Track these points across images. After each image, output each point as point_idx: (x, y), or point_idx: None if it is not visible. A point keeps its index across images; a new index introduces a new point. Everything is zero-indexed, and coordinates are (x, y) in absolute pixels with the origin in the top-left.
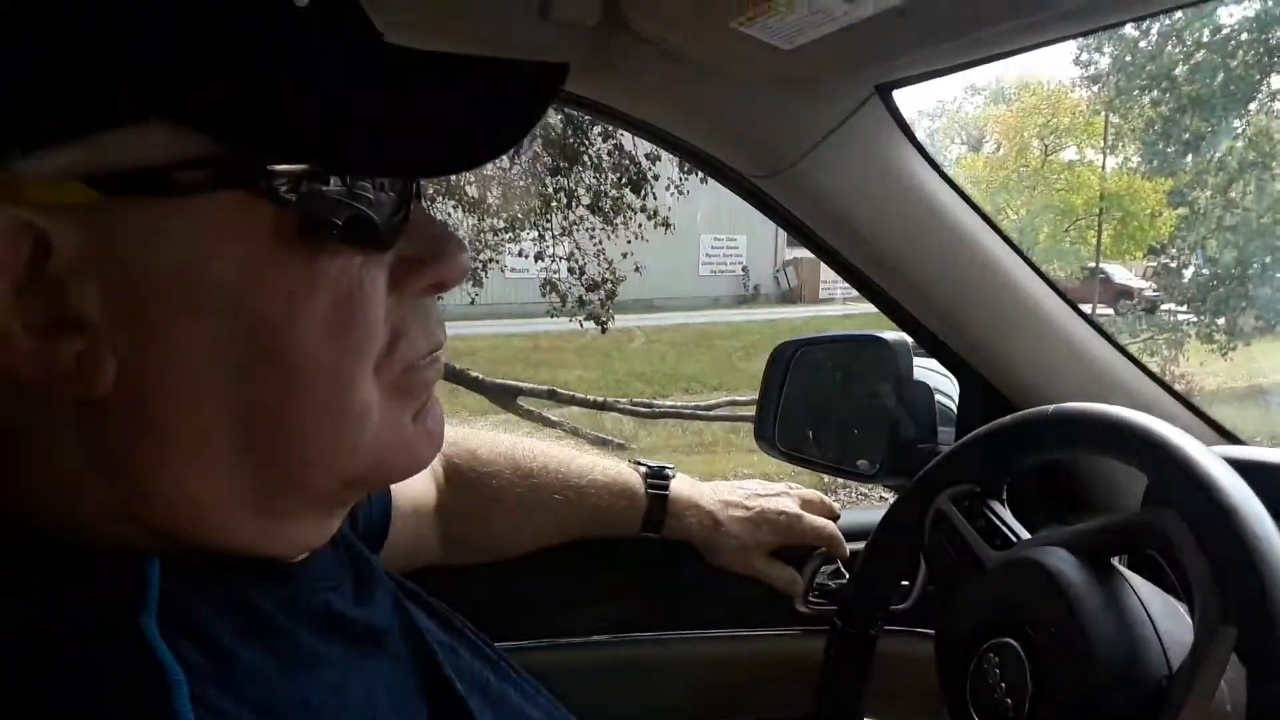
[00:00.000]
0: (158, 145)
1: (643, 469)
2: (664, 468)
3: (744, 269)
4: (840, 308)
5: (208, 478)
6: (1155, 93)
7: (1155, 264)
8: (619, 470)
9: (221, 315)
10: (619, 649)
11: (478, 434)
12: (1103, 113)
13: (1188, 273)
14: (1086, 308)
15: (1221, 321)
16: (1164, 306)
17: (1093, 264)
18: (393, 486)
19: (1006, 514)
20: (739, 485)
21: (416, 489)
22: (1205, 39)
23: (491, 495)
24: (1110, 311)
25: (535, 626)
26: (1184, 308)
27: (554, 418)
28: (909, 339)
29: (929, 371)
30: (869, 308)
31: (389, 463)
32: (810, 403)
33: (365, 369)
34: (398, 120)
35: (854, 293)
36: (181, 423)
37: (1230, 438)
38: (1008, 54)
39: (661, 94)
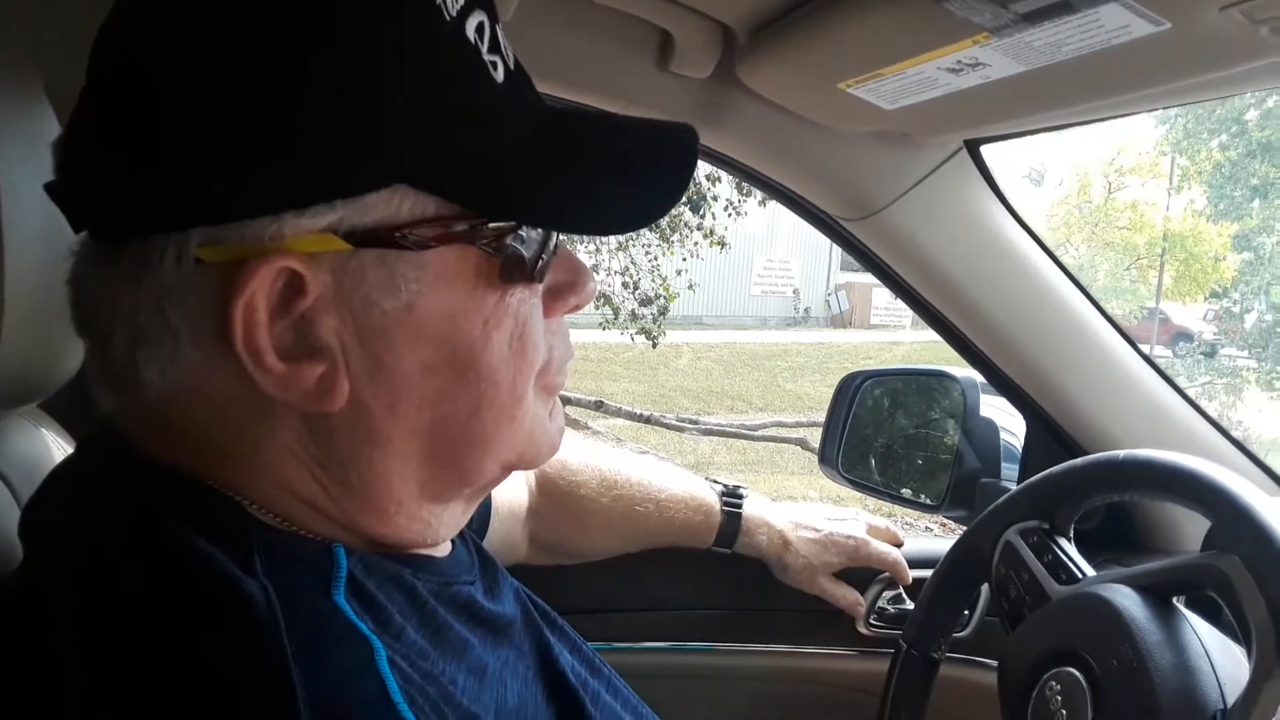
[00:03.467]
0: (399, 207)
1: (718, 487)
2: (738, 487)
3: (795, 290)
4: (890, 334)
5: (404, 476)
6: (1224, 136)
7: (1217, 307)
8: (696, 486)
9: (433, 343)
10: (679, 657)
11: (568, 442)
12: (1169, 154)
13: (1250, 318)
14: (1144, 347)
15: None
16: (1223, 351)
17: (1151, 303)
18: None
19: (1073, 550)
20: (810, 508)
21: (511, 493)
22: None
23: (578, 503)
24: (1168, 353)
25: (596, 629)
26: (1245, 353)
27: (599, 429)
28: (978, 376)
29: (994, 409)
30: (921, 336)
31: (534, 451)
32: (875, 432)
33: (530, 380)
34: (585, 183)
35: (904, 321)
36: (394, 432)
37: None
38: (1092, 121)
39: (762, 141)
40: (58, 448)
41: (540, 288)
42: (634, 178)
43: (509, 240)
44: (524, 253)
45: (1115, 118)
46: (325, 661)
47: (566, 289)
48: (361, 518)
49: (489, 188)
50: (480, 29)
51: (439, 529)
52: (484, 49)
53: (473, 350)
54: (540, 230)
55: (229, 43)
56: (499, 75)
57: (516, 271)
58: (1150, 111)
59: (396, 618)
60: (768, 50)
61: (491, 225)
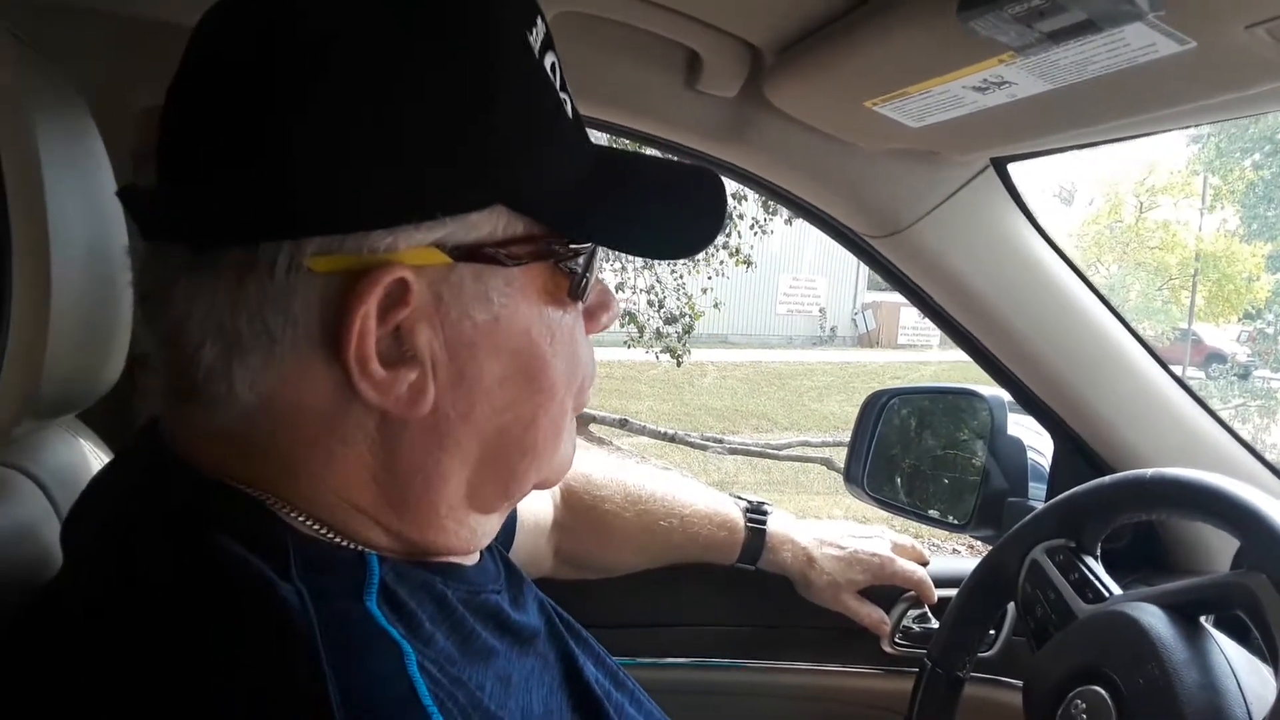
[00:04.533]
0: (496, 225)
1: (743, 503)
2: (762, 504)
3: (821, 310)
4: (917, 354)
5: (460, 482)
6: (1258, 155)
7: (1250, 328)
8: (721, 502)
9: (510, 355)
10: (703, 673)
11: (592, 458)
12: (1201, 173)
13: None
14: (1176, 368)
15: None
16: (1257, 372)
17: (1184, 324)
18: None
19: (1100, 569)
20: (835, 525)
21: (537, 507)
22: None
23: (602, 518)
24: (1201, 374)
25: (619, 644)
26: (1279, 375)
27: (623, 447)
28: (1005, 395)
29: (1021, 428)
30: (948, 356)
31: (562, 467)
32: (900, 450)
33: (573, 394)
34: (643, 210)
35: (931, 340)
36: (465, 438)
37: None
38: (1119, 140)
39: (789, 159)
40: (95, 457)
41: (582, 307)
42: (681, 205)
43: (576, 262)
44: (582, 272)
45: (1141, 136)
46: (357, 665)
47: (600, 309)
48: (411, 523)
49: (570, 211)
50: (553, 68)
51: (480, 537)
52: (557, 85)
53: (541, 363)
54: (585, 255)
55: (360, 61)
56: (569, 111)
57: (577, 290)
58: (1176, 130)
59: (426, 624)
60: (795, 69)
61: (572, 245)
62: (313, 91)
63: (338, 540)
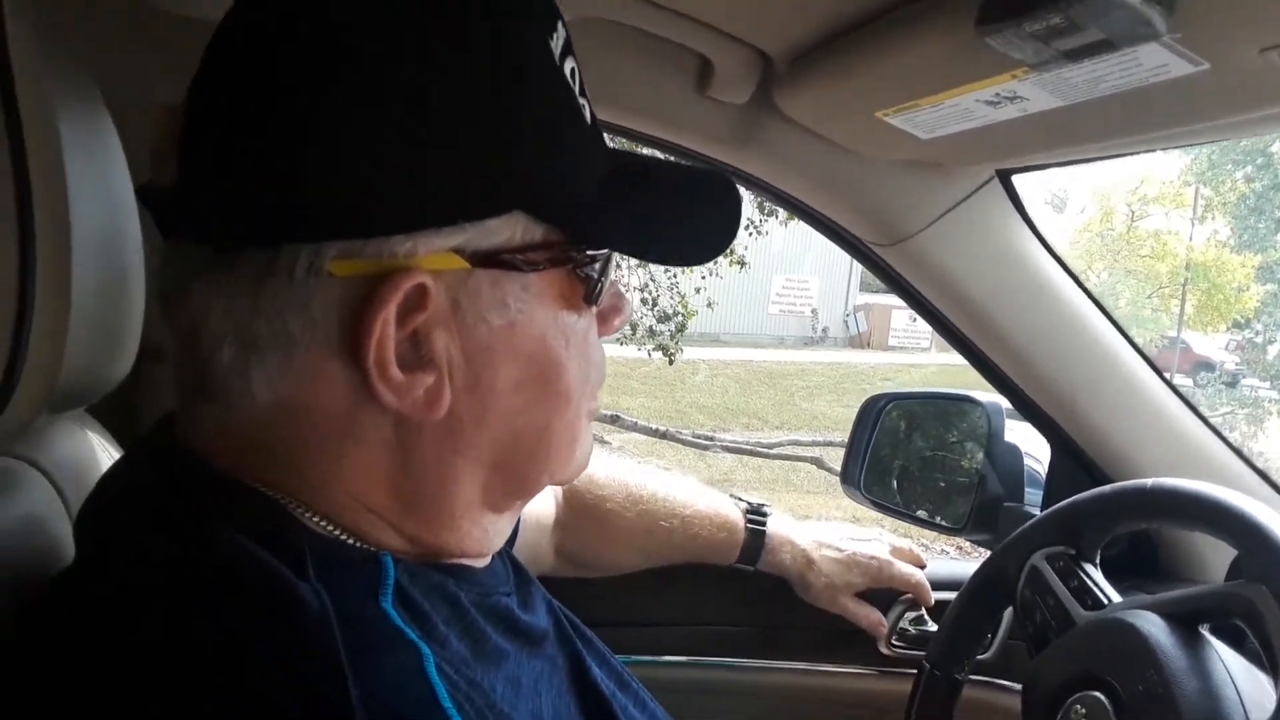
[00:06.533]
0: (515, 231)
1: (743, 504)
2: (762, 505)
3: (813, 310)
4: (908, 356)
5: (474, 485)
6: (1249, 168)
7: (1239, 337)
8: (721, 503)
9: (526, 360)
10: (700, 672)
11: (595, 458)
12: (1194, 184)
13: (1272, 349)
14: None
15: None
16: (1245, 381)
17: (1173, 332)
18: None
19: (1099, 576)
20: (833, 528)
21: (539, 504)
22: None
23: (604, 517)
24: (1189, 382)
25: (617, 641)
26: (1267, 384)
27: (614, 443)
28: (1002, 401)
29: (1017, 435)
30: (939, 359)
31: (575, 468)
32: (897, 453)
33: (586, 397)
34: (658, 216)
35: (922, 343)
36: (479, 442)
37: None
38: (1123, 155)
39: (796, 167)
40: (103, 450)
41: (595, 311)
42: (697, 210)
43: (592, 267)
44: (597, 277)
45: (1148, 152)
46: (376, 665)
47: (612, 312)
48: (425, 525)
49: (588, 217)
50: (573, 73)
51: (493, 538)
52: (576, 91)
53: (556, 368)
54: (601, 260)
55: (381, 67)
56: (588, 117)
57: (592, 295)
58: (1183, 147)
59: (440, 626)
60: (806, 78)
61: (589, 252)
62: (332, 95)
63: (352, 541)
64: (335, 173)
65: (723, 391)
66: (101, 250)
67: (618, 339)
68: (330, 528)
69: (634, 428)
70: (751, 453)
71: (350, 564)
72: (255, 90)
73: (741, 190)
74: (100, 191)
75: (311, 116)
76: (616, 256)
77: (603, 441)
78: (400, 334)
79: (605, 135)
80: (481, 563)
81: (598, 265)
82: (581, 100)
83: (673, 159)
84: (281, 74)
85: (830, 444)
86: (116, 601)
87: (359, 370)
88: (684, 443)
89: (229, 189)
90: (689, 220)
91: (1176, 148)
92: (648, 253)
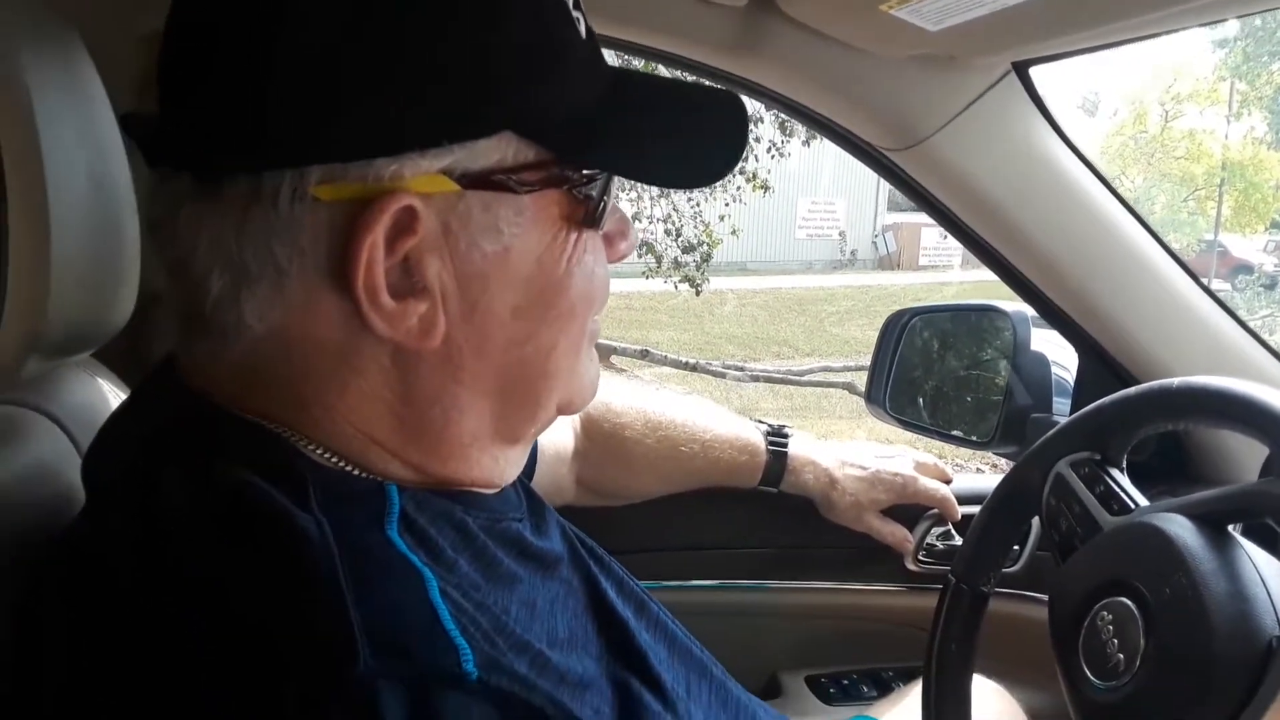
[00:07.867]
0: (505, 152)
1: (764, 427)
2: (783, 426)
3: (841, 233)
4: (938, 275)
5: (481, 414)
6: None
7: (1278, 238)
8: (741, 426)
9: (524, 285)
10: (727, 595)
11: (612, 385)
12: (1228, 79)
13: None
14: (1203, 280)
15: None
16: None
17: (1210, 235)
18: None
19: (1125, 481)
20: (857, 446)
21: (557, 436)
22: None
23: (623, 445)
24: (1227, 286)
25: (643, 568)
26: None
27: (645, 378)
28: (1028, 309)
29: (1045, 343)
30: (970, 276)
31: (583, 393)
32: (922, 370)
33: (591, 317)
34: (658, 135)
35: (953, 261)
36: (480, 370)
37: None
38: (1145, 37)
39: (802, 71)
40: (114, 396)
41: (600, 233)
42: (701, 131)
43: (591, 187)
44: (597, 198)
45: (1166, 32)
46: (379, 592)
47: (618, 236)
48: (434, 456)
49: (582, 136)
50: None
51: (505, 468)
52: (570, 4)
53: (558, 289)
54: (600, 180)
55: None
56: (582, 31)
57: (593, 215)
58: (1201, 26)
59: (448, 551)
60: None
61: (585, 171)
62: (302, 8)
63: (357, 472)
64: (303, 93)
65: (752, 321)
66: (86, 188)
67: (643, 273)
68: (335, 460)
69: (664, 361)
70: (783, 381)
71: (355, 495)
72: (220, 12)
73: (757, 110)
74: (79, 127)
75: (275, 34)
76: (634, 186)
77: (634, 377)
78: (390, 260)
79: (608, 52)
80: (492, 491)
81: (596, 186)
82: (576, 14)
83: (678, 77)
84: None
85: (861, 369)
86: (122, 544)
87: (351, 298)
88: (714, 374)
89: (204, 114)
90: (691, 140)
91: (1195, 25)
92: (645, 173)
